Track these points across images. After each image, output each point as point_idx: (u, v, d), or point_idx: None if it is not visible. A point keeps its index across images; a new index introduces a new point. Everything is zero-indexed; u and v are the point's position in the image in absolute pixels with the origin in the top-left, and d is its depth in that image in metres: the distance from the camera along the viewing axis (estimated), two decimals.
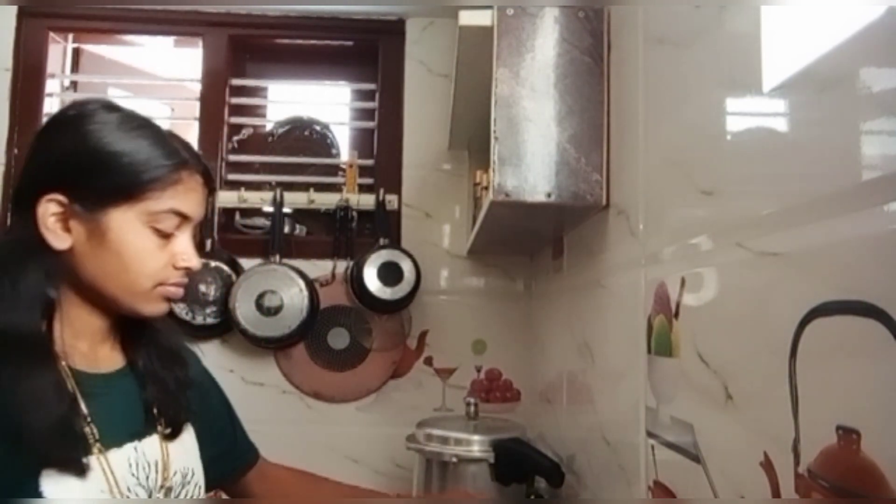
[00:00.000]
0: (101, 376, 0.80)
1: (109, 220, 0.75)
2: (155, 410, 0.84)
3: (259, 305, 1.75)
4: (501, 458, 1.22)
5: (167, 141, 0.79)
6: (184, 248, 0.80)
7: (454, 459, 1.25)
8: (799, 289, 0.52)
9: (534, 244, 1.71)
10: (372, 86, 2.00)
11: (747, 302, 0.61)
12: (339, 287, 1.87)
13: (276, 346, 1.82)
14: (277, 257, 1.82)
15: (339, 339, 1.87)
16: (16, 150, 1.88)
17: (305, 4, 1.91)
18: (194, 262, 0.81)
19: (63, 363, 0.75)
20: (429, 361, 1.89)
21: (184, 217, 0.79)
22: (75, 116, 0.78)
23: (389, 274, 1.78)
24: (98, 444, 0.74)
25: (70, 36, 2.03)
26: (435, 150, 1.91)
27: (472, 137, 1.72)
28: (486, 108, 1.12)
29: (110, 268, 0.76)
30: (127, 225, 0.76)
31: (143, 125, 0.79)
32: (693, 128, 0.76)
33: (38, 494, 0.68)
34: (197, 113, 1.95)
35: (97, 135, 0.76)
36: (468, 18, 1.18)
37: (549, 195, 1.07)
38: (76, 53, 2.05)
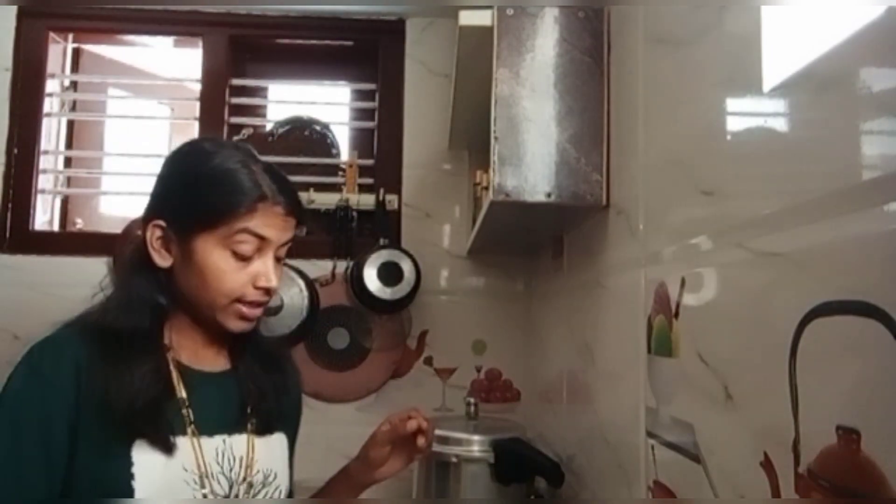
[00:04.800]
0: (204, 373, 0.90)
1: (195, 244, 0.85)
2: (249, 410, 0.91)
3: None
4: (501, 458, 1.22)
5: (254, 176, 0.86)
6: (262, 270, 0.87)
7: (454, 459, 1.25)
8: (799, 289, 0.52)
9: (534, 244, 1.71)
10: (372, 86, 2.00)
11: (747, 302, 0.61)
12: (339, 287, 1.87)
13: None
14: None
15: (339, 339, 1.87)
16: (16, 150, 1.88)
17: (305, 4, 1.91)
18: (272, 281, 0.88)
19: (170, 355, 0.87)
20: (429, 361, 1.89)
21: (261, 239, 0.86)
22: (185, 152, 0.91)
23: (389, 274, 1.78)
24: (192, 427, 0.85)
25: (70, 36, 2.03)
26: (435, 150, 1.91)
27: (472, 137, 1.72)
28: (486, 108, 1.12)
29: (195, 284, 0.86)
30: (208, 249, 0.85)
31: (238, 160, 0.87)
32: (693, 128, 0.76)
33: (129, 461, 0.79)
34: (197, 113, 1.95)
35: (192, 171, 0.87)
36: (468, 18, 1.18)
37: (549, 195, 1.07)
38: (76, 53, 2.05)
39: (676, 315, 0.77)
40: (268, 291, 0.89)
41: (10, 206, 1.87)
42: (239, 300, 0.87)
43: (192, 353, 0.90)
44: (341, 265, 1.87)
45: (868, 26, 0.45)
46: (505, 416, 1.77)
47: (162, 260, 0.87)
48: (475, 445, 1.25)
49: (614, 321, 1.05)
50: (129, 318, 0.85)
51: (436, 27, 1.94)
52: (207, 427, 0.86)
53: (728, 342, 0.65)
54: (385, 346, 1.87)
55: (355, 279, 1.80)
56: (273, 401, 0.94)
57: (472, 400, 1.39)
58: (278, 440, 0.95)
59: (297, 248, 1.83)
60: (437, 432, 1.30)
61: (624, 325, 0.98)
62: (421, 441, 1.01)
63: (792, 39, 0.55)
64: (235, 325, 0.88)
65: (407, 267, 1.79)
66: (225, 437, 0.88)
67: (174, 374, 0.86)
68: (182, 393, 0.86)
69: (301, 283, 1.78)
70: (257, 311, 0.90)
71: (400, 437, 1.00)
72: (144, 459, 0.80)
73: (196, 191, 0.86)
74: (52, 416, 0.79)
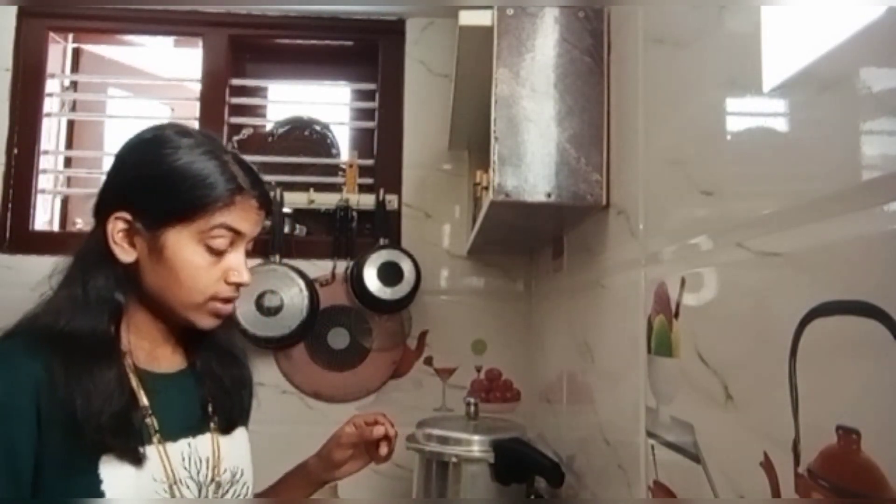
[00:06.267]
0: (163, 375, 0.86)
1: (166, 238, 0.81)
2: (210, 408, 0.89)
3: (259, 305, 1.75)
4: (501, 458, 1.22)
5: (227, 166, 0.84)
6: (235, 265, 0.85)
7: (454, 459, 1.25)
8: (799, 289, 0.52)
9: (534, 244, 1.71)
10: (372, 86, 2.00)
11: (747, 302, 0.61)
12: (339, 287, 1.87)
13: (276, 346, 1.82)
14: (277, 257, 1.82)
15: (339, 339, 1.87)
16: (16, 150, 1.88)
17: (305, 4, 1.91)
18: (245, 277, 0.86)
19: (129, 360, 0.82)
20: (429, 361, 1.89)
21: (235, 233, 0.84)
22: (148, 140, 0.85)
23: (389, 274, 1.78)
24: (157, 435, 0.81)
25: (70, 36, 2.03)
26: (435, 150, 1.91)
27: (472, 137, 1.72)
28: (486, 108, 1.12)
29: (166, 281, 0.82)
30: (181, 243, 0.81)
31: (207, 151, 0.84)
32: (693, 128, 0.76)
33: (97, 477, 0.75)
34: (197, 113, 1.95)
35: (163, 160, 0.82)
36: (468, 18, 1.18)
37: (549, 195, 1.07)
38: (76, 53, 2.05)
39: (676, 315, 0.77)
40: (238, 287, 0.86)
41: (10, 206, 1.87)
42: (213, 297, 0.84)
43: (148, 353, 0.86)
44: (341, 265, 1.87)
45: (868, 26, 0.45)
46: (505, 416, 1.77)
47: (125, 255, 0.82)
48: (475, 445, 1.25)
49: (614, 321, 1.05)
50: (87, 319, 0.79)
51: (436, 27, 1.94)
52: (172, 432, 0.83)
53: (728, 342, 0.65)
54: (385, 346, 1.87)
55: (355, 279, 1.80)
56: (233, 397, 0.93)
57: (472, 400, 1.39)
58: (241, 435, 0.94)
59: (297, 248, 1.87)
60: (437, 432, 1.30)
61: (624, 325, 0.98)
62: (384, 450, 1.01)
63: (792, 39, 0.55)
64: (207, 323, 0.86)
65: (407, 267, 1.79)
66: (189, 439, 0.85)
67: (134, 381, 0.81)
68: (144, 400, 0.81)
69: (301, 283, 1.78)
70: (230, 308, 0.87)
71: (364, 440, 1.00)
72: (113, 475, 0.76)
73: (169, 182, 0.81)
74: (15, 442, 0.73)
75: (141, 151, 0.85)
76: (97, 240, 0.83)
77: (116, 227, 0.82)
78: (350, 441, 1.01)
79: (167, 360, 0.89)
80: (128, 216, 0.82)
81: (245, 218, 0.84)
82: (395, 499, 1.78)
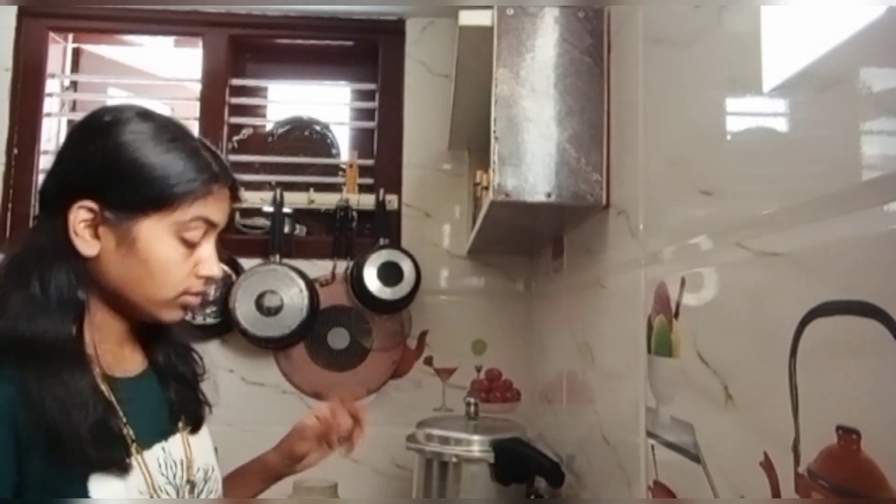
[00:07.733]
0: (130, 379, 0.82)
1: (139, 229, 0.76)
2: (177, 407, 0.86)
3: (259, 305, 1.75)
4: (501, 458, 1.22)
5: (199, 153, 0.79)
6: (206, 257, 0.81)
7: (454, 459, 1.25)
8: (799, 289, 0.52)
9: (534, 244, 1.71)
10: (372, 86, 2.00)
11: (747, 302, 0.61)
12: (339, 287, 1.87)
13: (276, 346, 1.82)
14: (277, 257, 1.82)
15: (339, 339, 1.87)
16: (16, 150, 1.88)
17: (305, 4, 1.91)
18: (215, 269, 0.82)
19: (96, 368, 0.76)
20: (429, 361, 1.89)
21: (210, 224, 0.80)
22: (110, 123, 0.78)
23: (389, 274, 1.78)
24: (135, 445, 0.76)
25: (70, 36, 2.03)
26: (435, 150, 1.91)
27: (472, 137, 1.72)
28: (486, 108, 1.12)
29: (136, 275, 0.77)
30: (156, 235, 0.77)
31: (177, 136, 0.79)
32: (693, 128, 0.76)
33: (87, 496, 0.70)
34: (197, 113, 1.95)
35: (133, 145, 0.76)
36: (468, 18, 1.18)
37: (549, 195, 1.07)
38: (76, 53, 2.05)
39: (676, 315, 0.77)
40: (208, 280, 0.82)
41: (10, 206, 1.87)
42: (185, 293, 0.80)
43: (112, 355, 0.80)
44: (341, 265, 1.87)
45: (868, 26, 0.45)
46: (505, 416, 1.77)
47: (87, 247, 0.75)
48: (475, 445, 1.25)
49: (614, 321, 1.05)
50: (49, 323, 0.72)
51: (436, 27, 1.94)
52: (145, 439, 0.78)
53: (728, 342, 0.65)
54: (385, 346, 1.87)
55: (355, 279, 1.80)
56: (197, 393, 0.91)
57: (472, 400, 1.39)
58: (205, 431, 0.92)
59: (297, 248, 1.87)
60: (437, 432, 1.30)
61: (624, 325, 0.98)
62: (356, 438, 0.99)
63: (792, 39, 0.55)
64: (174, 316, 0.82)
65: (407, 267, 1.79)
66: (163, 443, 0.81)
67: (105, 388, 0.75)
68: (118, 408, 0.76)
69: (301, 283, 1.78)
70: (198, 301, 0.83)
71: (331, 432, 0.99)
72: (102, 493, 0.71)
73: (143, 171, 0.75)
74: None
75: (103, 136, 0.77)
76: (53, 231, 0.75)
77: (79, 216, 0.75)
78: (315, 433, 0.99)
79: (129, 361, 0.84)
80: (93, 205, 0.75)
81: (220, 209, 0.81)
82: (395, 499, 1.78)
